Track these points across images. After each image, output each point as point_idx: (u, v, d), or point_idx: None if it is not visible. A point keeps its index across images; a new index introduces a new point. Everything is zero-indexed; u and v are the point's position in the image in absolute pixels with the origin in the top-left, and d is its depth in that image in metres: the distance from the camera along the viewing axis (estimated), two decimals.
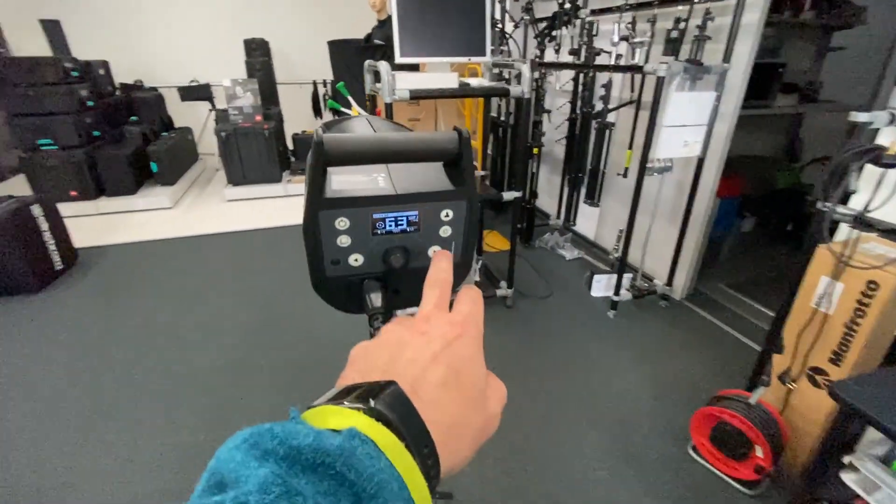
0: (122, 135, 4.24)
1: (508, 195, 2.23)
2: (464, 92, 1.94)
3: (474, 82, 2.06)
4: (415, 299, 0.44)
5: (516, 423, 1.75)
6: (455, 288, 0.41)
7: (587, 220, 3.31)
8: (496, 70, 3.19)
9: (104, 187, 3.92)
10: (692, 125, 2.05)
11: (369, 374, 0.26)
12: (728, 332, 2.32)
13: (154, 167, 4.13)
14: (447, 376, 0.26)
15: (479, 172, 2.81)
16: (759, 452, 1.40)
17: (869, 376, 1.11)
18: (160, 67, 5.16)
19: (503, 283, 2.52)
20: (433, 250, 0.41)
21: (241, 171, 4.30)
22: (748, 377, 1.66)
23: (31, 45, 4.44)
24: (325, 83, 5.34)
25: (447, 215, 0.40)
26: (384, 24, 3.68)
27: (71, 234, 2.96)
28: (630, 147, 2.52)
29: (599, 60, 2.52)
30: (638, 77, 2.46)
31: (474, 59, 2.15)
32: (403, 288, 0.43)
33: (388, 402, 0.22)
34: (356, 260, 0.40)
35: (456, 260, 0.43)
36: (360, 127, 0.52)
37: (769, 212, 3.18)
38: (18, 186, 3.95)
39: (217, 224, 3.71)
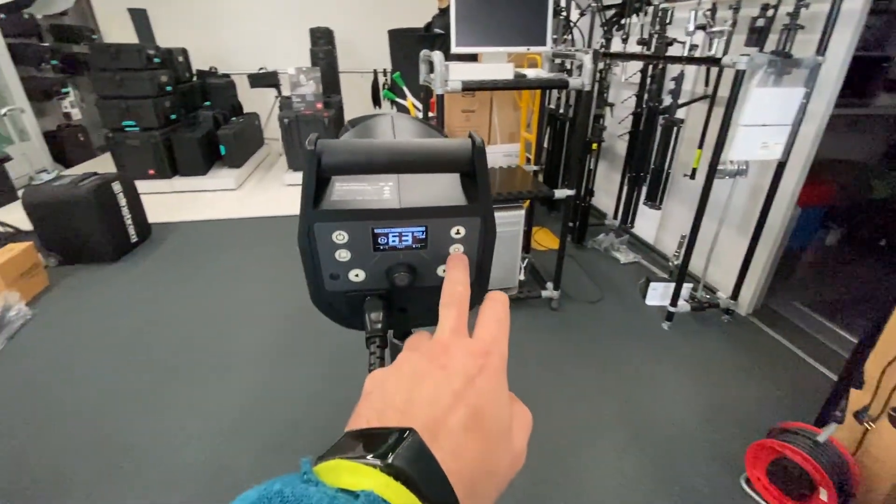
0: (196, 118, 4.52)
1: (560, 193, 2.13)
2: (518, 84, 1.87)
3: (531, 73, 1.97)
4: (422, 320, 0.40)
5: (551, 432, 1.68)
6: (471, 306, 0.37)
7: (647, 223, 3.12)
8: (557, 60, 3.06)
9: (178, 167, 4.20)
10: (774, 125, 1.84)
11: (384, 414, 0.24)
12: (799, 355, 2.10)
13: (222, 150, 4.37)
14: (470, 419, 0.24)
15: (532, 167, 2.72)
16: (823, 496, 1.25)
17: None
18: (233, 55, 5.44)
19: (549, 285, 2.43)
20: (442, 270, 0.37)
21: (301, 157, 4.45)
22: (819, 410, 1.49)
23: (120, 32, 4.83)
24: (385, 72, 5.40)
25: (458, 232, 0.36)
26: (445, 13, 3.63)
27: (146, 210, 3.21)
28: (700, 146, 2.32)
29: (672, 51, 2.33)
30: (714, 70, 2.26)
31: (533, 48, 2.05)
32: (410, 307, 0.39)
33: (407, 456, 0.20)
34: (357, 276, 0.36)
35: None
36: (383, 128, 0.49)
37: (860, 224, 2.83)
38: (106, 164, 4.34)
39: (276, 207, 3.87)
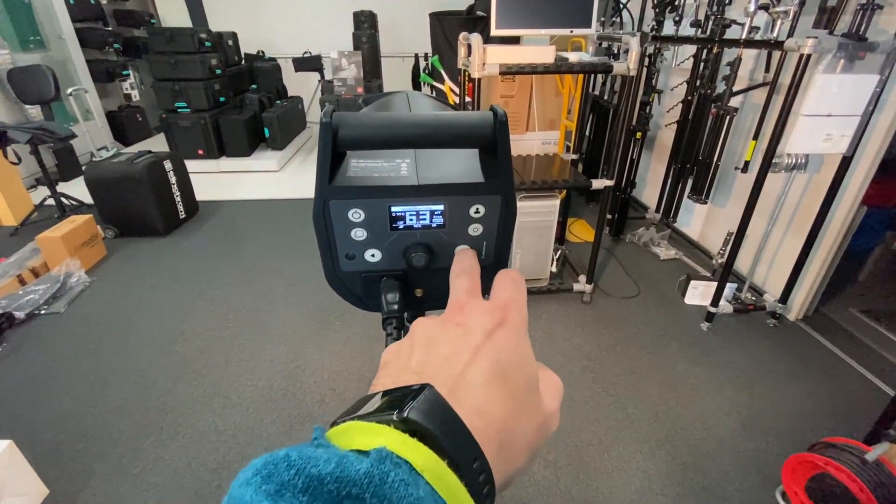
0: (243, 101, 4.67)
1: (598, 183, 2.05)
2: (559, 68, 1.80)
3: (574, 57, 1.89)
4: (437, 301, 0.39)
5: (577, 427, 1.65)
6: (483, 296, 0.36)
7: (692, 218, 2.97)
8: (603, 44, 2.93)
9: (224, 148, 4.37)
10: (840, 115, 1.69)
11: (400, 378, 0.23)
12: (852, 366, 1.95)
13: (266, 132, 4.50)
14: (492, 372, 0.22)
15: (571, 156, 2.63)
16: None
17: None
18: (279, 39, 5.55)
19: (582, 278, 2.36)
20: (460, 249, 0.36)
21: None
22: (870, 427, 1.38)
23: (175, 16, 5.03)
24: (426, 56, 5.36)
25: (478, 211, 0.34)
26: None
27: (195, 189, 3.36)
28: (755, 138, 2.17)
29: (729, 34, 2.17)
30: (776, 55, 2.09)
31: (577, 31, 1.97)
32: (426, 288, 0.38)
33: (423, 409, 0.19)
34: (373, 256, 0.36)
35: (487, 262, 0.37)
36: (399, 104, 0.48)
37: None
38: (160, 143, 4.57)
39: (313, 190, 3.95)
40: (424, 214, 0.34)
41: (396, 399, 0.20)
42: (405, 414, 0.18)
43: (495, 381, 0.22)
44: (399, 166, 0.34)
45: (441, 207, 0.33)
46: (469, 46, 1.84)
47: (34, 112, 3.84)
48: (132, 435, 1.61)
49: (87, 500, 1.40)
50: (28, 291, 2.31)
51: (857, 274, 2.56)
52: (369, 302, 0.38)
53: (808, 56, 1.58)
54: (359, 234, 0.34)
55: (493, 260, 0.37)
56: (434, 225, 0.34)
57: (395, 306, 0.36)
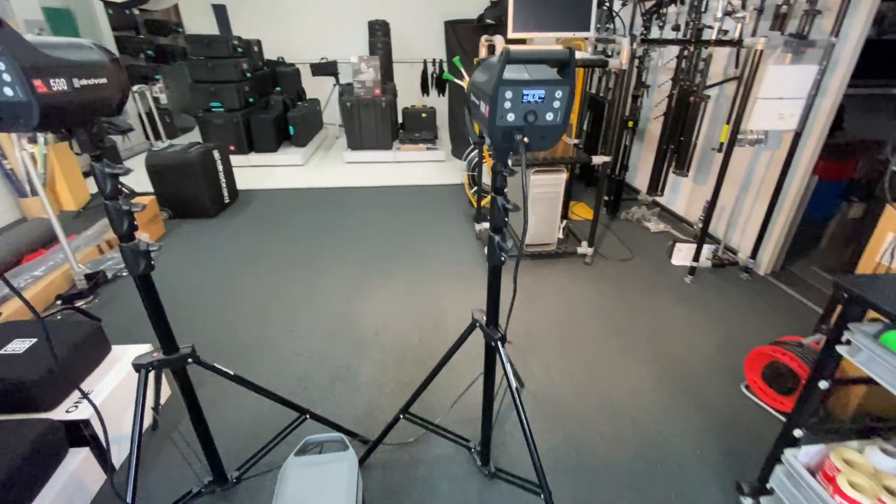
0: (269, 102, 5.07)
1: (598, 159, 2.46)
2: None
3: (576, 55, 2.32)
4: (536, 145, 0.81)
5: (587, 344, 2.04)
6: (551, 145, 0.82)
7: (678, 197, 3.39)
8: (600, 47, 3.37)
9: (254, 144, 4.76)
10: (790, 98, 2.11)
11: None
12: (814, 309, 2.35)
13: (291, 130, 4.90)
14: None
15: (574, 141, 3.05)
16: None
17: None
18: (298, 46, 5.98)
19: (584, 243, 2.77)
20: (550, 116, 0.78)
21: (359, 138, 4.92)
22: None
23: (200, 24, 5.44)
24: (434, 62, 5.81)
25: (558, 94, 0.77)
26: (496, 6, 4.00)
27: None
28: (728, 122, 2.59)
29: (705, 37, 2.61)
30: (745, 53, 2.52)
31: (578, 34, 2.40)
32: (532, 137, 0.81)
33: None
34: (511, 117, 0.78)
35: (562, 122, 0.79)
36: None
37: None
38: (194, 139, 4.94)
39: (337, 181, 4.36)
40: (535, 95, 0.75)
41: None
42: None
43: None
44: (524, 73, 0.76)
45: (542, 92, 0.75)
46: (489, 47, 2.26)
47: None
48: (228, 356, 1.99)
49: (203, 396, 1.77)
50: (108, 258, 2.68)
51: (821, 239, 2.98)
52: (504, 143, 0.80)
53: (762, 51, 2.01)
54: (507, 105, 0.76)
55: (562, 122, 0.78)
56: (539, 101, 0.76)
57: (519, 139, 0.79)
